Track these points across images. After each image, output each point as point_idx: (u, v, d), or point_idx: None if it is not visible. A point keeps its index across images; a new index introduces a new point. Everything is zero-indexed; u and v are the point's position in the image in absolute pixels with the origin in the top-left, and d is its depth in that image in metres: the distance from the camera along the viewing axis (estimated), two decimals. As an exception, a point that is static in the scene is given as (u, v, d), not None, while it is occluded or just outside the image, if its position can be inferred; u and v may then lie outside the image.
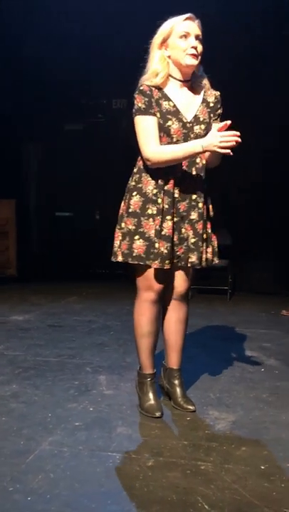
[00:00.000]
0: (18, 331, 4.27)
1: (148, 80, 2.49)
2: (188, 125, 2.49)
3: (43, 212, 7.95)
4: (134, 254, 2.52)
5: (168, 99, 2.49)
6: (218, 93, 2.58)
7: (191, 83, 2.55)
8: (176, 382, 2.71)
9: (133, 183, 2.56)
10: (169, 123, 2.47)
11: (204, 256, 2.58)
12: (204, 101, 2.55)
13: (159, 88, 2.49)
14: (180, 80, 2.52)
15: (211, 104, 2.55)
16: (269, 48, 6.13)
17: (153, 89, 2.48)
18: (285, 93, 6.14)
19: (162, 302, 2.66)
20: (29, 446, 2.25)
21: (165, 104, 2.48)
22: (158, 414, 2.55)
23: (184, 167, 2.51)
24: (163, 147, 2.45)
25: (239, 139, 2.30)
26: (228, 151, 2.32)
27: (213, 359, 3.58)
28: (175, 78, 2.52)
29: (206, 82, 2.57)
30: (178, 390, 2.70)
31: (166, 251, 2.47)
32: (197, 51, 2.44)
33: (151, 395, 2.62)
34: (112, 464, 2.12)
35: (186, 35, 2.44)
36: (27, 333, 4.18)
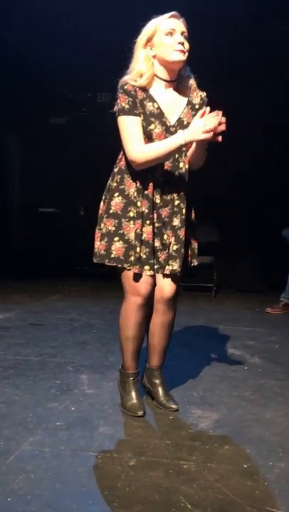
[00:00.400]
0: (-1, 330, 4.24)
1: (132, 79, 2.46)
2: (171, 129, 2.48)
3: (26, 209, 7.90)
4: (112, 256, 2.51)
5: (152, 100, 2.47)
6: (204, 94, 2.56)
7: (177, 84, 2.53)
8: (157, 381, 2.71)
9: (115, 184, 2.55)
10: (152, 126, 2.46)
11: (187, 261, 2.60)
12: (189, 103, 2.54)
13: (144, 89, 2.47)
14: (165, 80, 2.50)
15: (197, 106, 2.52)
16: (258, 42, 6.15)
17: (137, 89, 2.45)
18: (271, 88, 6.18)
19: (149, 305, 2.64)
20: (9, 446, 2.24)
21: (149, 106, 2.46)
22: (140, 413, 2.55)
23: (166, 171, 2.50)
24: (146, 146, 2.43)
25: (223, 119, 2.26)
26: (214, 136, 2.27)
27: (196, 357, 3.59)
28: (160, 78, 2.49)
29: (192, 82, 2.55)
30: (160, 389, 2.70)
31: (144, 256, 2.47)
32: (184, 47, 2.42)
33: (133, 394, 2.62)
34: (94, 464, 2.11)
35: (171, 32, 2.42)
36: (7, 332, 4.15)
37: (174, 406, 2.64)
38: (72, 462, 2.12)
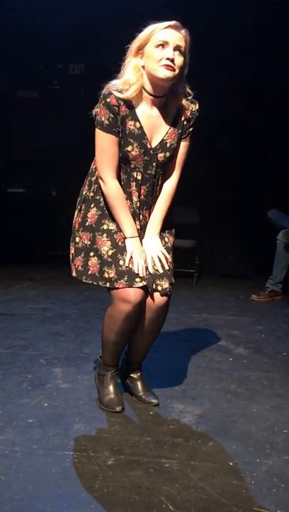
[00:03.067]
0: None
1: (118, 90, 2.38)
2: (151, 152, 2.46)
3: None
4: (89, 273, 2.52)
5: (135, 119, 2.42)
6: (195, 107, 2.51)
7: (166, 100, 2.46)
8: (136, 376, 2.72)
9: (91, 194, 2.55)
10: (129, 148, 2.44)
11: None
12: (175, 121, 2.49)
13: (129, 104, 2.40)
14: (152, 95, 2.43)
15: (185, 123, 2.51)
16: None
17: (121, 103, 2.39)
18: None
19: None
20: (-23, 446, 2.22)
21: (130, 125, 2.42)
22: (118, 408, 2.55)
23: (142, 196, 2.53)
24: (116, 193, 2.45)
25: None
26: None
27: (177, 348, 3.60)
28: (147, 92, 2.42)
29: (185, 103, 2.48)
30: (138, 383, 2.71)
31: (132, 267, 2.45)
32: (174, 64, 2.32)
33: (111, 389, 2.61)
34: (69, 464, 2.10)
35: (163, 45, 2.32)
36: (-25, 323, 4.11)
37: (154, 400, 2.65)
38: (45, 462, 2.11)
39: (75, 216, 2.60)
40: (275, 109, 6.48)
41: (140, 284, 2.42)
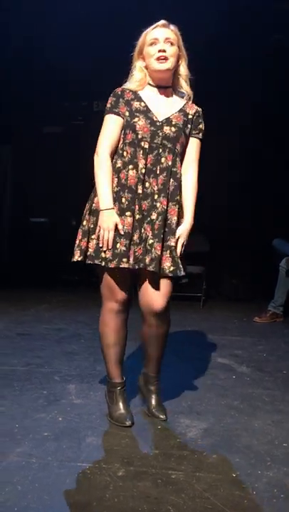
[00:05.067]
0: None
1: (125, 85, 2.58)
2: (158, 123, 2.51)
3: (18, 218, 7.86)
4: (88, 253, 2.53)
5: (140, 99, 2.55)
6: (200, 109, 2.62)
7: (172, 91, 2.59)
8: (153, 388, 2.72)
9: None
10: (135, 119, 2.50)
11: (164, 263, 2.46)
12: (182, 111, 2.57)
13: (134, 91, 2.55)
14: (158, 87, 2.57)
15: (190, 116, 2.57)
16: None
17: (127, 91, 2.55)
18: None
19: (126, 313, 2.64)
20: (-4, 458, 2.22)
21: (136, 104, 2.53)
22: (128, 423, 2.55)
23: (149, 164, 2.50)
24: (104, 165, 2.50)
25: None
26: None
27: (184, 366, 3.60)
28: (153, 86, 2.58)
29: (190, 103, 2.60)
30: (153, 397, 2.71)
31: (124, 248, 2.44)
32: (166, 53, 2.47)
33: (121, 405, 2.61)
34: (82, 475, 2.10)
35: (154, 42, 2.49)
36: (-6, 342, 4.13)
37: (162, 416, 2.64)
38: (59, 473, 2.11)
39: (86, 204, 2.63)
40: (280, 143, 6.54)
41: (126, 265, 2.43)
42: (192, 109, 2.59)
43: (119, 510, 1.85)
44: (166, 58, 2.47)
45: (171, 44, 2.49)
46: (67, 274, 7.29)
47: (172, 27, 2.53)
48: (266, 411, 2.83)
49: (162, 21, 2.52)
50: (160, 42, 2.48)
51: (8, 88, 6.71)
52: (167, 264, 2.47)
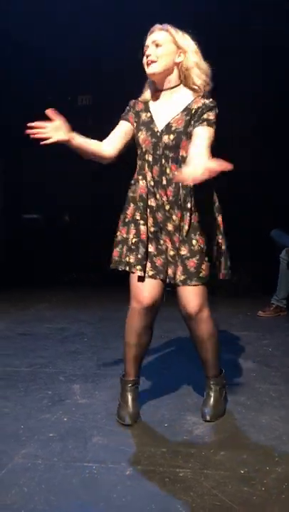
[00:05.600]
0: (-14, 341, 4.23)
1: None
2: (157, 134, 2.52)
3: (10, 215, 7.87)
4: (116, 259, 2.64)
5: (147, 110, 2.59)
6: (208, 101, 2.49)
7: (174, 92, 2.55)
8: (207, 390, 2.73)
9: (130, 194, 2.64)
10: (139, 134, 2.56)
11: (178, 273, 2.51)
12: (186, 109, 2.50)
13: (146, 102, 2.61)
14: (159, 90, 2.58)
15: (193, 111, 2.49)
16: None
17: (139, 102, 2.62)
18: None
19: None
20: (1, 459, 2.23)
21: (143, 116, 2.58)
22: (127, 421, 2.57)
23: (155, 176, 2.53)
24: (96, 143, 2.53)
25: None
26: None
27: (189, 363, 3.59)
28: (156, 90, 2.60)
29: (198, 98, 2.51)
30: (206, 398, 2.72)
31: (140, 256, 2.49)
32: (151, 57, 2.48)
33: (127, 402, 2.63)
34: (89, 475, 2.11)
35: (145, 50, 2.52)
36: (-4, 343, 4.14)
37: (206, 417, 2.63)
38: (66, 474, 2.12)
39: (120, 215, 2.67)
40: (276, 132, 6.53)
41: (140, 273, 2.50)
42: (198, 104, 2.49)
43: (128, 510, 1.86)
44: (152, 62, 2.48)
45: (157, 45, 2.48)
46: (65, 273, 7.31)
47: (162, 26, 2.51)
48: (273, 406, 2.84)
49: (154, 27, 2.53)
50: (149, 47, 2.50)
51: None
52: (178, 274, 2.51)
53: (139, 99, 2.64)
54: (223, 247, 2.65)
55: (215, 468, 2.15)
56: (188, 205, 2.49)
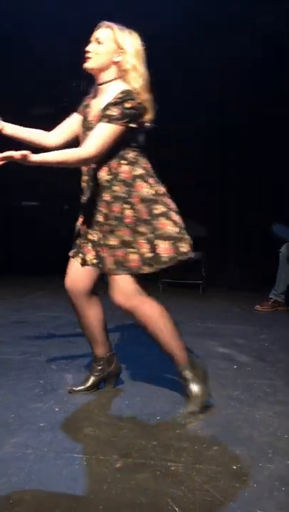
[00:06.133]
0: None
1: None
2: (85, 123, 2.66)
3: (8, 202, 7.84)
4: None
5: (88, 105, 2.70)
6: (119, 96, 2.48)
7: (109, 86, 2.59)
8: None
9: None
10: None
11: (106, 261, 2.58)
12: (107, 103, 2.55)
13: (91, 96, 2.72)
14: (98, 84, 2.66)
15: (106, 105, 2.51)
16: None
17: (86, 97, 2.74)
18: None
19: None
20: (-9, 448, 2.22)
21: (87, 110, 2.70)
22: (70, 388, 2.84)
23: (84, 169, 2.68)
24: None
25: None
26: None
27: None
28: (96, 84, 2.68)
29: (117, 87, 2.52)
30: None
31: (76, 241, 2.77)
32: (89, 53, 2.57)
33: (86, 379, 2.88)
34: (79, 467, 2.10)
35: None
36: (-11, 330, 4.13)
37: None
38: (56, 465, 2.11)
39: None
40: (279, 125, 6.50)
41: (80, 260, 2.74)
42: (110, 99, 2.50)
43: (117, 503, 1.85)
44: (88, 58, 2.57)
45: (99, 43, 2.56)
46: (62, 261, 7.29)
47: (108, 23, 2.58)
48: (268, 402, 2.83)
49: (101, 23, 2.60)
50: (90, 43, 2.59)
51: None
52: (106, 263, 2.62)
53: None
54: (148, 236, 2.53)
55: (207, 463, 2.14)
56: (108, 198, 2.57)
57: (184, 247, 2.55)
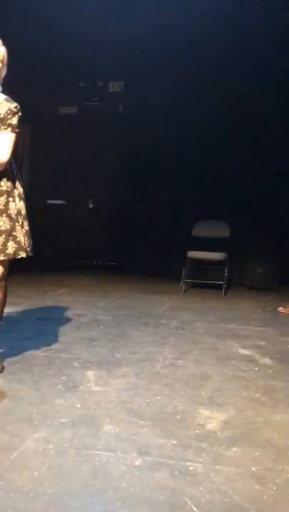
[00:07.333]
0: (4, 324, 4.25)
1: None
2: None
3: (34, 200, 7.90)
4: None
5: None
6: (13, 105, 2.92)
7: None
8: None
9: None
10: None
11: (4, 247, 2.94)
12: None
13: None
14: None
15: (1, 116, 2.89)
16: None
17: None
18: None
19: None
20: (13, 442, 2.25)
21: None
22: None
23: None
24: None
25: None
26: None
27: (205, 356, 3.59)
28: None
29: (2, 97, 2.93)
30: None
31: None
32: None
33: None
34: (99, 463, 2.12)
35: None
36: (14, 326, 4.16)
37: None
38: (76, 460, 2.13)
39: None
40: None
41: None
42: (4, 108, 2.90)
43: (136, 500, 1.87)
44: None
45: None
46: (86, 259, 7.34)
47: None
48: (288, 404, 2.82)
49: None
50: None
51: (26, 69, 6.73)
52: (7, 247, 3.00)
53: None
54: (25, 229, 3.11)
55: (226, 464, 2.15)
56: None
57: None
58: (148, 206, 6.92)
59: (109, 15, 6.24)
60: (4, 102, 2.92)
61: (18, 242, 3.02)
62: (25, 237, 3.08)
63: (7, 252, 2.96)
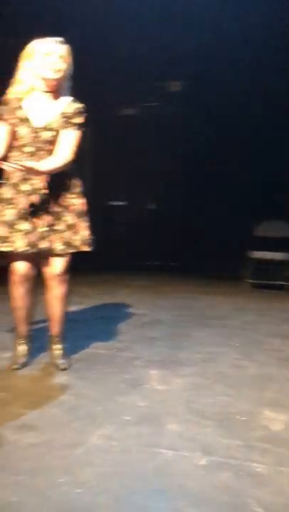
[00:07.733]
0: (68, 323, 4.32)
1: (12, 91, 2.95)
2: (37, 130, 2.91)
3: (96, 202, 8.01)
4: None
5: (21, 108, 2.91)
6: (80, 106, 2.99)
7: (57, 95, 2.96)
8: (54, 346, 3.20)
9: None
10: (17, 128, 2.91)
11: (53, 244, 2.99)
12: (63, 113, 2.95)
13: (19, 99, 2.92)
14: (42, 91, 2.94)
15: (68, 115, 2.94)
16: None
17: (13, 99, 2.92)
18: None
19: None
20: (78, 439, 2.29)
21: (19, 113, 2.91)
22: (15, 366, 3.10)
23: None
24: None
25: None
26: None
27: (268, 357, 3.54)
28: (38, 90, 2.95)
29: (70, 102, 2.98)
30: (53, 352, 3.19)
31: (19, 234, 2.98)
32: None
33: (19, 352, 3.15)
34: (163, 462, 2.13)
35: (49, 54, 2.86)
36: (77, 325, 4.24)
37: (61, 362, 3.15)
38: (140, 458, 2.15)
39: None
40: None
41: (25, 248, 2.92)
42: (71, 108, 2.97)
43: (200, 500, 1.86)
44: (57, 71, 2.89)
45: (64, 61, 2.89)
46: (148, 260, 7.37)
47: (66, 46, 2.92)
48: None
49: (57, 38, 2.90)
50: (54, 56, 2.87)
51: (83, 69, 6.82)
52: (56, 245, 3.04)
53: (10, 96, 2.93)
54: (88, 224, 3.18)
55: (291, 466, 2.11)
56: (58, 191, 2.99)
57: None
58: (209, 206, 6.89)
59: (168, 14, 6.24)
60: (71, 102, 2.99)
61: (83, 236, 3.13)
62: (88, 232, 3.17)
63: (74, 244, 3.07)
